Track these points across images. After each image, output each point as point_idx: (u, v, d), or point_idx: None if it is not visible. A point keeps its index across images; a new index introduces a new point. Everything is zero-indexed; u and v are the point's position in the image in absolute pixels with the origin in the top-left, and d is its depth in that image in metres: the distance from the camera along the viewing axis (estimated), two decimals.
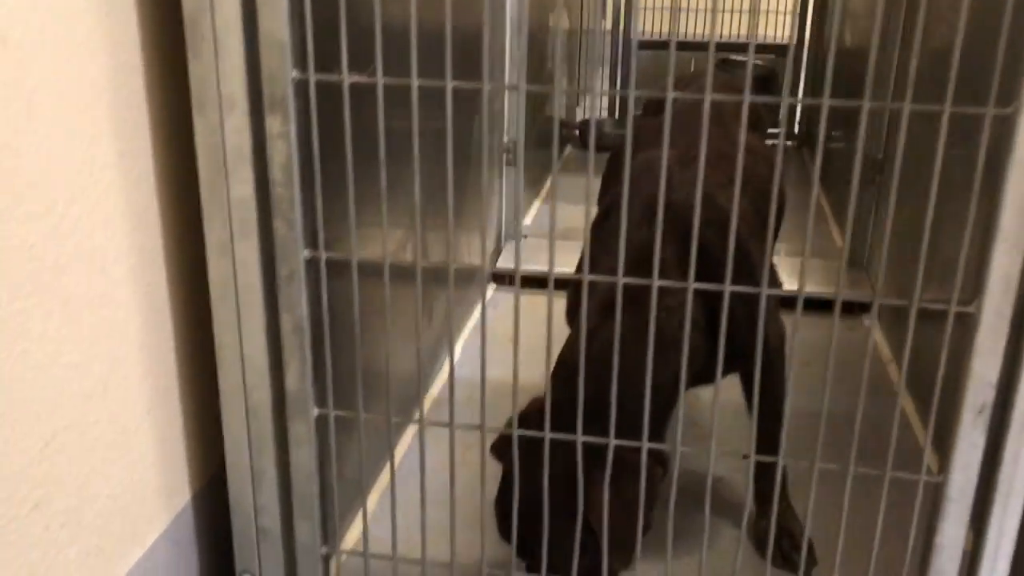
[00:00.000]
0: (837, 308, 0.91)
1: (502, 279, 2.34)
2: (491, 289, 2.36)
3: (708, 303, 1.20)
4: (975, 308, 0.87)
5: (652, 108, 1.82)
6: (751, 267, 1.29)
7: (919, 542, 0.98)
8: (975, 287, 0.87)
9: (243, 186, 0.97)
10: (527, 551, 1.13)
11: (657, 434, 1.18)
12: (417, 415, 1.03)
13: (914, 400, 1.80)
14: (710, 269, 1.01)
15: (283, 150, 0.95)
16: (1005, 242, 0.84)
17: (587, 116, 3.84)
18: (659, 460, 1.13)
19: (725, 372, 1.25)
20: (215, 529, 1.15)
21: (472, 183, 2.09)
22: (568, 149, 3.58)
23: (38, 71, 0.82)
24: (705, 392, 1.69)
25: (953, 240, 1.56)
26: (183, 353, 1.09)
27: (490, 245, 2.36)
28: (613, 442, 0.96)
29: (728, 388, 1.15)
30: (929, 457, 0.96)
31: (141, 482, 1.02)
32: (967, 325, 0.89)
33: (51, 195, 0.84)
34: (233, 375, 1.03)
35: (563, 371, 1.19)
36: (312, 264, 0.99)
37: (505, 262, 2.38)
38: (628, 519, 1.05)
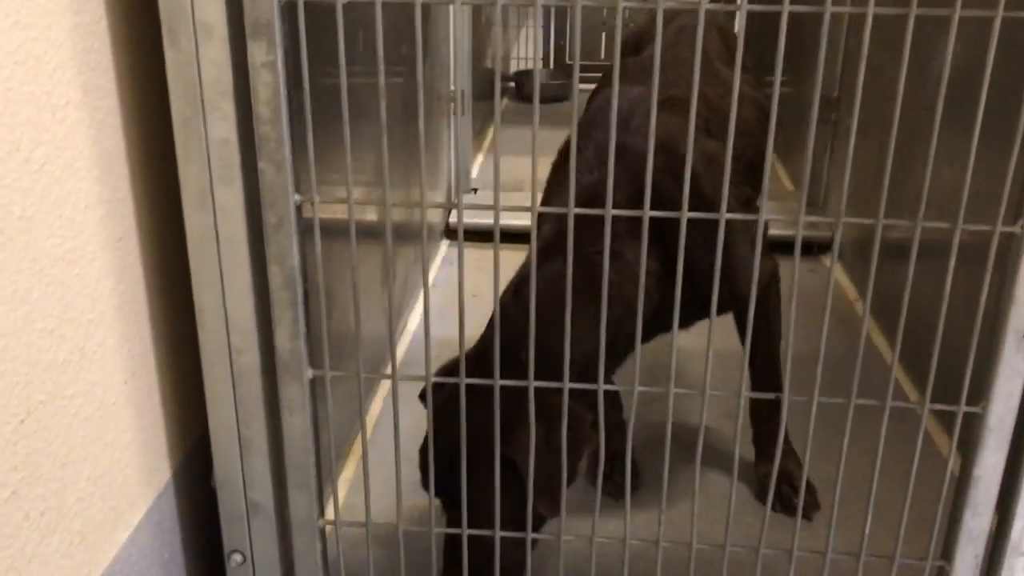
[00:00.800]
0: (834, 255, 0.85)
1: (455, 234, 2.25)
2: (445, 245, 2.28)
3: (661, 253, 1.14)
4: (1020, 228, 0.83)
5: (632, 46, 1.73)
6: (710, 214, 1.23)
7: (949, 477, 0.94)
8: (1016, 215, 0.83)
9: (223, 124, 0.86)
10: (450, 501, 1.08)
11: (606, 381, 1.12)
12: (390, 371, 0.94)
13: (884, 333, 1.78)
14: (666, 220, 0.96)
15: (269, 82, 0.84)
16: None
17: (522, 68, 3.75)
18: (589, 406, 1.07)
19: (689, 320, 1.19)
20: (200, 506, 1.05)
21: (424, 135, 1.99)
22: (505, 101, 3.49)
23: None
24: (694, 341, 1.65)
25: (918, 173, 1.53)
26: (160, 313, 0.98)
27: (441, 198, 2.27)
28: (533, 384, 0.90)
29: (721, 335, 1.11)
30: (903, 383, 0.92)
31: (121, 461, 0.91)
32: (1005, 256, 0.85)
33: (13, 136, 0.72)
34: (216, 337, 0.93)
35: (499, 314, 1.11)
36: (302, 210, 0.90)
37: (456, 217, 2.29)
38: (554, 465, 1.00)
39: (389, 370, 0.95)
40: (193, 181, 0.88)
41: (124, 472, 0.92)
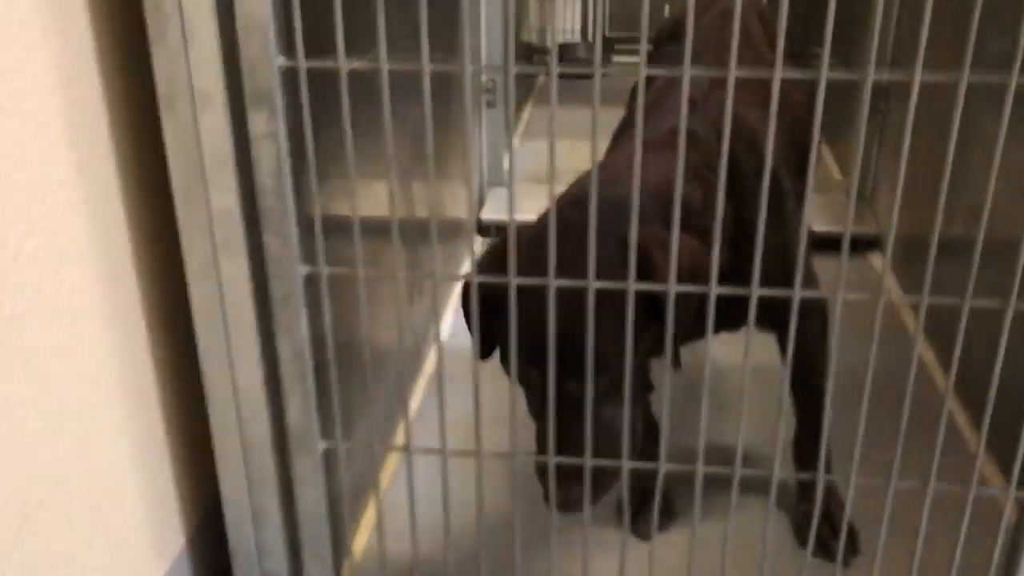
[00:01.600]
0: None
1: (487, 231, 2.19)
2: (477, 243, 2.22)
3: (735, 234, 1.05)
4: None
5: (667, 33, 1.66)
6: (781, 194, 1.16)
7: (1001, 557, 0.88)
8: None
9: (225, 195, 0.81)
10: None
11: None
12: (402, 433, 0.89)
13: (936, 351, 1.70)
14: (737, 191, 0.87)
15: (271, 152, 0.79)
16: None
17: (560, 40, 3.65)
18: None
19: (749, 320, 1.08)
20: (215, 573, 1.03)
21: (453, 131, 1.93)
22: (540, 78, 3.40)
23: None
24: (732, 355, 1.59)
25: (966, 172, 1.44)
26: (167, 386, 0.94)
27: (472, 193, 2.21)
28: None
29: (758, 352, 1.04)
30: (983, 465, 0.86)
31: (130, 541, 0.89)
32: None
33: (0, 233, 0.68)
34: (225, 410, 0.89)
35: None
36: (311, 280, 0.85)
37: (489, 212, 2.23)
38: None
39: (402, 434, 0.91)
40: (196, 254, 0.84)
41: (134, 551, 0.89)
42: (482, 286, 0.82)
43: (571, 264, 0.84)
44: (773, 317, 1.06)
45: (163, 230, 0.89)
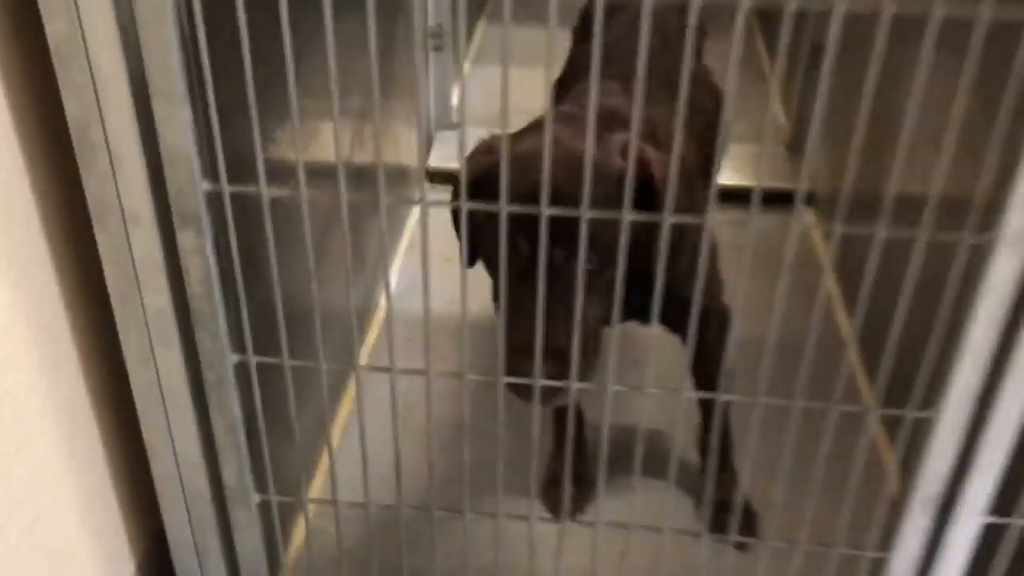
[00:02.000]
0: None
1: (435, 177, 2.24)
2: (426, 189, 2.26)
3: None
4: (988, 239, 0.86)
5: (585, 27, 1.67)
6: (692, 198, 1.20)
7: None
8: None
9: (158, 297, 0.88)
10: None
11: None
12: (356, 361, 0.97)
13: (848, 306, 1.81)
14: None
15: (199, 265, 0.86)
16: None
17: None
18: None
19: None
20: None
21: (398, 74, 1.94)
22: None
23: None
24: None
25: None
26: (113, 447, 1.03)
27: (421, 135, 2.24)
28: None
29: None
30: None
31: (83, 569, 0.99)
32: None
33: None
34: (168, 471, 0.98)
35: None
36: (242, 367, 0.93)
37: (438, 159, 2.26)
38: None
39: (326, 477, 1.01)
40: (134, 346, 0.91)
41: None
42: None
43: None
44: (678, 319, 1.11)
45: (104, 325, 0.95)
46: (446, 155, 2.26)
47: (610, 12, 1.62)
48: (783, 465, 0.91)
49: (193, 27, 0.74)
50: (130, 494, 1.06)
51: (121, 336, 0.89)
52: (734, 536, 1.24)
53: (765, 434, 0.93)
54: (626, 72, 1.11)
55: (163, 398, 0.93)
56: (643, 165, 1.00)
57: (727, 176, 2.14)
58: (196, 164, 0.81)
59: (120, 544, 1.06)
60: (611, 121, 1.08)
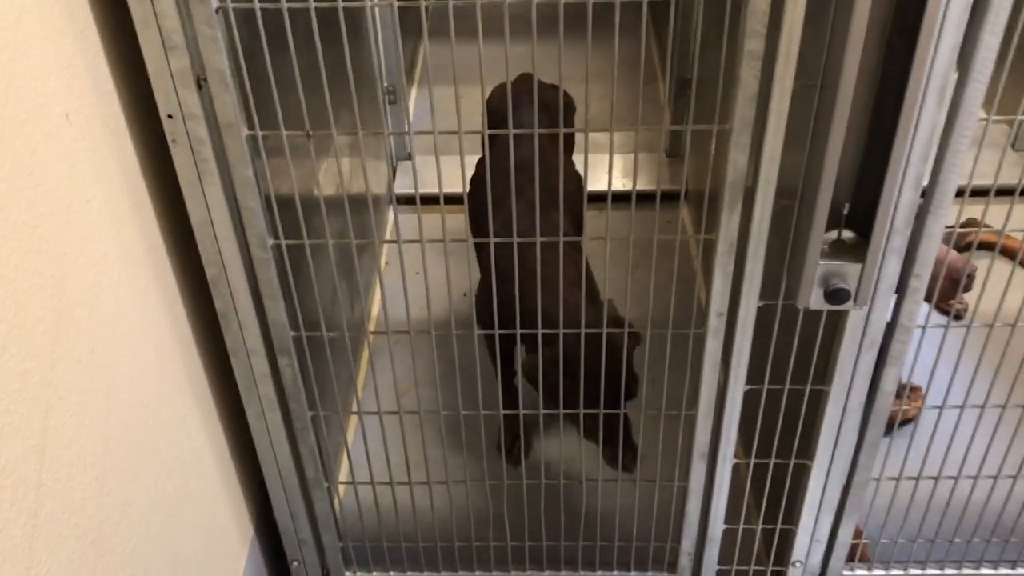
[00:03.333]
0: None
1: (400, 200, 2.92)
2: (390, 214, 2.94)
3: None
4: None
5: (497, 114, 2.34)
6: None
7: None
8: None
9: (267, 388, 1.59)
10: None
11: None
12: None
13: None
14: None
15: (289, 374, 1.56)
16: None
17: None
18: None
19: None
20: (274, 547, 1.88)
21: (366, 120, 2.61)
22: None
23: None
24: None
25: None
26: (231, 436, 1.75)
27: (384, 169, 2.90)
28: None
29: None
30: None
31: (224, 529, 1.72)
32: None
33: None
34: (273, 470, 1.71)
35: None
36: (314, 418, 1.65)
37: (401, 185, 2.94)
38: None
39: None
40: (255, 417, 1.62)
41: (226, 536, 1.73)
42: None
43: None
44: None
45: (239, 408, 1.66)
46: (407, 182, 2.94)
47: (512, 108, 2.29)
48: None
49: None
50: (249, 481, 1.79)
51: (247, 410, 1.60)
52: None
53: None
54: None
55: (269, 434, 1.65)
56: None
57: (619, 182, 2.86)
58: (286, 320, 1.51)
59: (241, 510, 1.79)
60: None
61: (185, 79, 1.24)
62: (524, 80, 2.21)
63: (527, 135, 2.09)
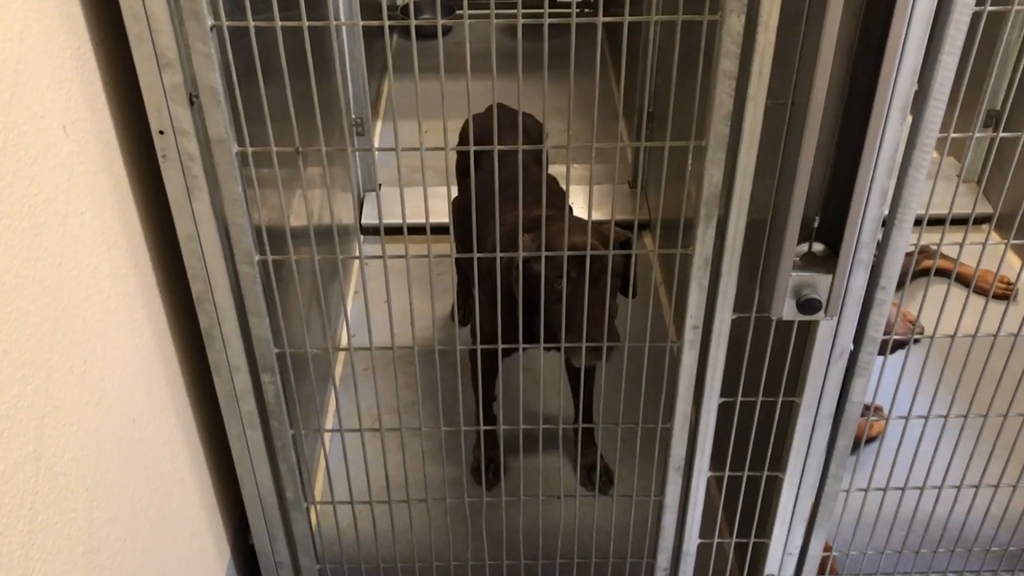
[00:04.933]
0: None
1: (367, 231, 2.95)
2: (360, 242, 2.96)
3: None
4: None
5: (464, 162, 2.39)
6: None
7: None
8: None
9: (249, 406, 1.60)
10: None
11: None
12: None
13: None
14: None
15: (272, 391, 1.58)
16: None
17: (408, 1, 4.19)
18: None
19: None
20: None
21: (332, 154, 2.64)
22: (394, 39, 3.99)
23: None
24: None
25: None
26: (210, 458, 1.75)
27: (351, 198, 2.93)
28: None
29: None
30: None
31: (203, 544, 1.72)
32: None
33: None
34: (252, 491, 1.71)
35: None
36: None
37: (370, 216, 2.97)
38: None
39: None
40: (236, 436, 1.62)
41: (204, 549, 1.72)
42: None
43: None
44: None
45: (220, 426, 1.66)
46: (373, 213, 2.97)
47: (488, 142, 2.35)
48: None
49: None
50: (226, 503, 1.79)
51: (228, 428, 1.61)
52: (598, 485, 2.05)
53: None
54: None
55: (250, 453, 1.65)
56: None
57: (580, 213, 2.90)
58: (270, 337, 1.52)
59: (219, 532, 1.79)
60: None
61: (177, 95, 1.27)
62: (499, 109, 2.27)
63: (512, 157, 2.15)
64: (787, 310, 1.42)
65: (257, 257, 1.42)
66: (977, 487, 1.81)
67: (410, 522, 1.77)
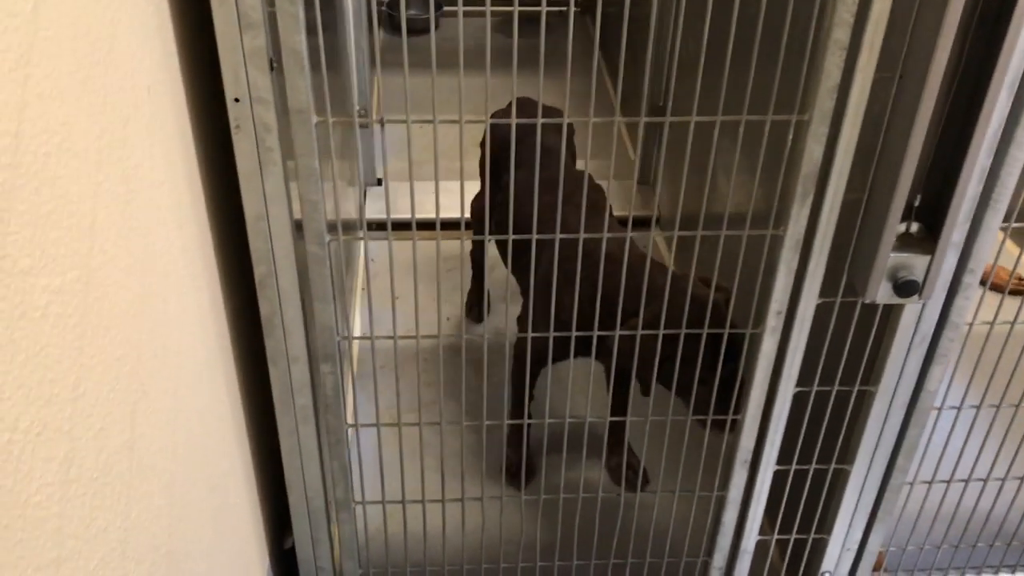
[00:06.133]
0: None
1: (370, 226, 2.85)
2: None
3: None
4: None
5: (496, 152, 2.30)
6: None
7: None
8: None
9: (305, 403, 1.50)
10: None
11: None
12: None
13: None
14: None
15: (332, 382, 1.48)
16: None
17: None
18: None
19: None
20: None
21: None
22: (380, 34, 3.89)
23: None
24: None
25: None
26: (259, 468, 1.64)
27: (356, 193, 2.83)
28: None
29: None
30: None
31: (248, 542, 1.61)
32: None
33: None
34: (300, 496, 1.61)
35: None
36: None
37: (372, 211, 2.87)
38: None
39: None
40: (287, 434, 1.52)
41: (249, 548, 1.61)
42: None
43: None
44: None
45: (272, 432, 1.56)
46: (378, 208, 2.88)
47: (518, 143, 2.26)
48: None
49: None
50: (267, 508, 1.68)
51: (280, 424, 1.51)
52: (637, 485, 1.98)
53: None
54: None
55: (300, 450, 1.55)
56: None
57: None
58: (334, 324, 1.43)
59: (262, 539, 1.68)
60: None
61: (258, 60, 1.18)
62: (524, 105, 2.19)
63: (544, 155, 2.07)
64: (882, 293, 1.38)
65: (328, 238, 1.33)
66: (1022, 479, 1.79)
67: (462, 522, 1.68)
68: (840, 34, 1.21)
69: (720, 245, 1.45)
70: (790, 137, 1.32)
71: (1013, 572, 1.99)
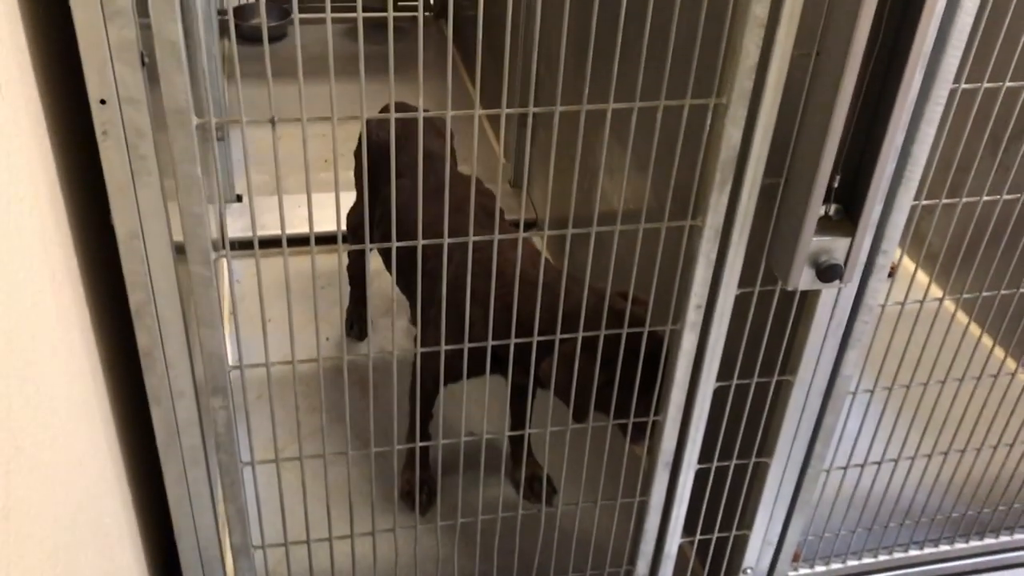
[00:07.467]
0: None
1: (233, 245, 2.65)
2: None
3: None
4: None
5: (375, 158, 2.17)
6: None
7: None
8: None
9: (193, 439, 1.33)
10: None
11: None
12: None
13: None
14: None
15: (223, 418, 1.32)
16: None
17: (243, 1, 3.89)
18: None
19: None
20: None
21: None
22: (227, 44, 3.69)
23: None
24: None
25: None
26: (135, 490, 1.46)
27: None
28: None
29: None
30: None
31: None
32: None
33: None
34: (191, 542, 1.44)
35: None
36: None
37: (234, 229, 2.67)
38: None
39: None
40: (174, 479, 1.35)
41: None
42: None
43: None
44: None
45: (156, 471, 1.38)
46: (241, 226, 2.69)
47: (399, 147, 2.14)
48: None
49: None
50: (152, 557, 1.50)
51: (166, 472, 1.34)
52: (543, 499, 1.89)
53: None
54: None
55: (190, 496, 1.39)
56: None
57: None
58: (224, 352, 1.28)
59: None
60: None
61: (127, 54, 1.02)
62: (400, 109, 2.07)
63: (428, 160, 1.97)
64: (804, 279, 1.34)
65: (214, 255, 1.18)
66: (929, 456, 1.80)
67: (373, 557, 1.55)
68: (759, 10, 1.16)
69: (614, 245, 1.38)
70: (707, 124, 1.26)
71: (921, 547, 2.01)
